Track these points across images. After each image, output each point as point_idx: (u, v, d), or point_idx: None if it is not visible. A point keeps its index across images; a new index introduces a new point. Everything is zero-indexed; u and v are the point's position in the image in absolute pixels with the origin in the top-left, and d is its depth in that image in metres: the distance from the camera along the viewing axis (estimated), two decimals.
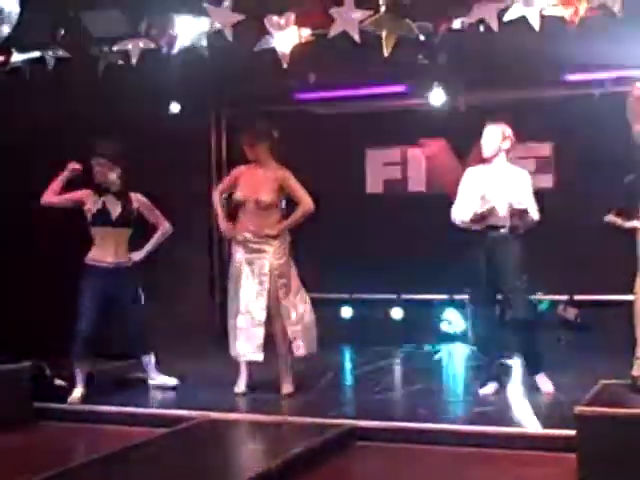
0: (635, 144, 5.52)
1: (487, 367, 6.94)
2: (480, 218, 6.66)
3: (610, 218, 7.47)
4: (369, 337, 9.75)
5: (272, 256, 7.10)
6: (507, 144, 6.80)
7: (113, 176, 7.30)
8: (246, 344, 6.99)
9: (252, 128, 7.30)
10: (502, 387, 6.95)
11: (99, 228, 7.28)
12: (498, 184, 6.68)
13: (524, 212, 6.63)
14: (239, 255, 7.13)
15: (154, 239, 7.53)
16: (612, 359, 6.92)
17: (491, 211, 6.58)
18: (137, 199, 7.41)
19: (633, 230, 5.99)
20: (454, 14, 6.63)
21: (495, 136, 6.77)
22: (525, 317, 6.69)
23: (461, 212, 6.80)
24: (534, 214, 6.73)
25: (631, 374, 5.52)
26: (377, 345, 9.40)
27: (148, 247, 7.52)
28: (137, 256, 7.43)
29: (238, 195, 7.16)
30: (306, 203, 7.22)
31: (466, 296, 9.17)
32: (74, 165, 7.26)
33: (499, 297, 6.94)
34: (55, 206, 7.32)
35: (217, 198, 7.35)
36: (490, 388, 6.82)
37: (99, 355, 7.39)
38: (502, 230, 6.67)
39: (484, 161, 6.85)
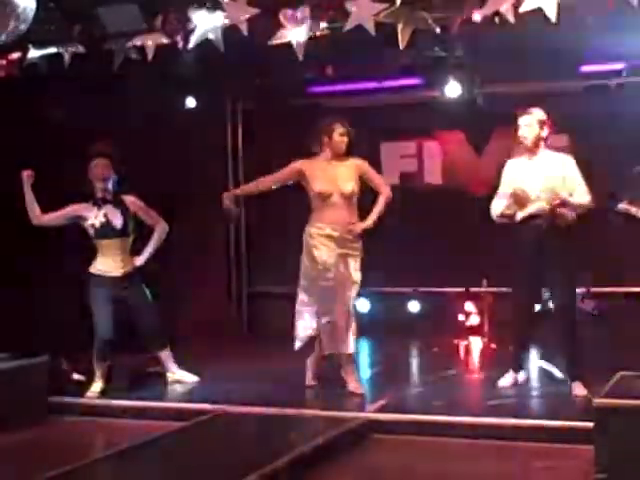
0: None
1: (512, 358, 6.84)
2: (509, 216, 6.61)
3: (623, 206, 7.41)
4: (387, 329, 9.75)
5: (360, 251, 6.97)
6: (545, 131, 6.61)
7: (111, 176, 7.21)
8: (331, 342, 6.82)
9: (344, 121, 7.03)
10: (520, 380, 6.91)
11: (103, 240, 7.20)
12: (539, 175, 6.54)
13: (565, 202, 6.51)
14: (325, 249, 6.83)
15: (153, 240, 7.40)
16: (630, 351, 6.91)
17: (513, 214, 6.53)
18: (132, 202, 7.29)
19: None
20: (470, 6, 6.61)
21: (533, 125, 6.58)
22: (572, 323, 6.57)
23: (499, 207, 6.71)
24: (582, 197, 6.54)
25: None
26: (394, 337, 9.37)
27: (149, 249, 7.41)
28: (139, 261, 7.36)
29: (319, 188, 6.91)
30: (386, 191, 7.02)
31: (482, 289, 9.19)
32: (26, 173, 7.06)
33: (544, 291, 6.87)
34: (51, 225, 7.26)
35: (263, 183, 7.13)
36: (509, 379, 6.76)
37: (120, 349, 7.40)
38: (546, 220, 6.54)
39: (528, 151, 6.68)
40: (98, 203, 7.17)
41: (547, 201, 6.48)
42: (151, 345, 7.44)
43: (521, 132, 6.61)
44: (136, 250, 7.39)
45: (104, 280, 7.18)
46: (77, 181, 7.27)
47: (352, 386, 6.78)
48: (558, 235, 6.50)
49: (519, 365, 6.83)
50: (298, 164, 7.02)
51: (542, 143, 6.63)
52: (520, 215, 6.58)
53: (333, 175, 6.88)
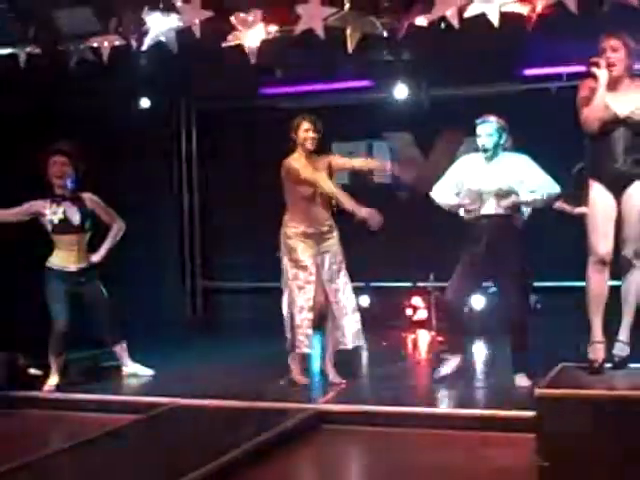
0: (584, 130, 5.51)
1: (450, 346, 6.81)
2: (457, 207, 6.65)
3: (559, 205, 7.48)
4: None
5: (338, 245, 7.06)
6: (504, 138, 6.61)
7: (68, 175, 7.17)
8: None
9: (310, 117, 6.95)
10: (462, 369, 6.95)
11: (61, 236, 7.17)
12: (495, 178, 6.52)
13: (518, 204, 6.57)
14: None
15: (109, 238, 7.37)
16: (569, 343, 6.96)
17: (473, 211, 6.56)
18: (90, 199, 7.26)
19: (581, 216, 5.97)
20: (417, 11, 6.64)
21: (494, 134, 6.55)
22: (521, 319, 6.57)
23: (440, 194, 6.73)
24: (552, 189, 6.56)
25: (588, 358, 5.55)
26: None
27: (105, 247, 7.37)
28: (96, 257, 7.31)
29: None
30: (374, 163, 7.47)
31: (429, 284, 9.23)
32: None
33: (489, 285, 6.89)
34: (10, 222, 7.19)
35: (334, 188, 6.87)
36: (447, 369, 6.68)
37: (76, 344, 7.34)
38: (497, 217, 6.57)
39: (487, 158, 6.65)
40: (56, 200, 7.14)
41: (499, 203, 6.53)
42: (107, 339, 7.40)
43: (481, 140, 6.58)
44: (93, 247, 7.34)
45: (60, 274, 7.15)
46: (31, 179, 7.21)
47: (333, 377, 6.86)
48: (508, 235, 6.56)
49: (461, 351, 6.76)
50: (295, 163, 6.88)
51: (501, 148, 6.63)
52: (470, 214, 6.61)
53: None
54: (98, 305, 7.28)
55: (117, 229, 7.39)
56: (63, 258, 7.18)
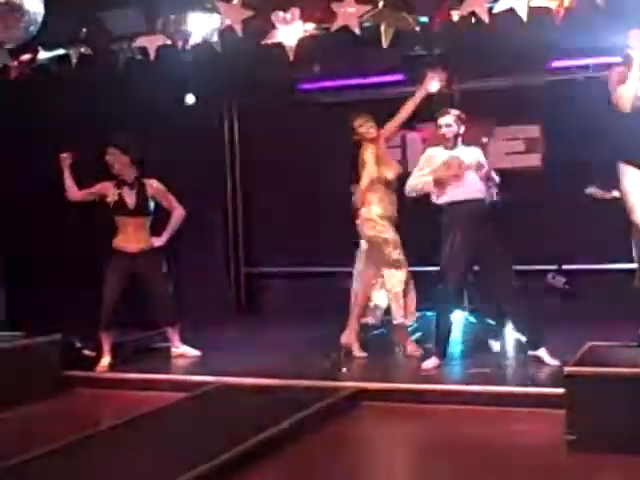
0: (616, 109, 5.49)
1: (437, 341, 6.65)
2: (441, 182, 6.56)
3: (592, 190, 7.45)
4: None
5: None
6: (462, 128, 6.67)
7: (124, 164, 7.30)
8: None
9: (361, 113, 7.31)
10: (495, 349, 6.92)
11: (119, 217, 7.34)
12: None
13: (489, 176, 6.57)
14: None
15: (170, 225, 7.49)
16: (598, 324, 6.95)
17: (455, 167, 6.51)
18: (151, 185, 7.39)
19: (614, 200, 5.96)
20: (448, 7, 6.62)
21: (453, 124, 6.62)
22: (518, 297, 6.49)
23: (417, 180, 6.72)
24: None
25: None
26: None
27: (166, 233, 7.49)
28: (158, 242, 7.43)
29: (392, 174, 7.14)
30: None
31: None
32: (64, 155, 7.29)
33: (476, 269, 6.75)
34: (82, 200, 7.42)
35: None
36: (432, 362, 6.56)
37: (129, 325, 7.43)
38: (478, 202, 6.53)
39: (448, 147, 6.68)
40: (118, 184, 7.31)
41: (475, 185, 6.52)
42: (161, 321, 7.46)
43: (443, 131, 6.65)
44: (155, 231, 7.46)
45: (120, 254, 7.28)
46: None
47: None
48: (488, 217, 6.51)
49: (444, 348, 6.63)
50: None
51: (459, 138, 6.68)
52: (445, 198, 6.55)
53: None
54: (155, 288, 7.35)
55: (177, 216, 7.49)
56: (123, 238, 7.32)
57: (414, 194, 6.76)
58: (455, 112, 6.71)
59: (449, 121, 6.64)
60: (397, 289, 6.99)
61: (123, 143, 7.33)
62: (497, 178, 6.68)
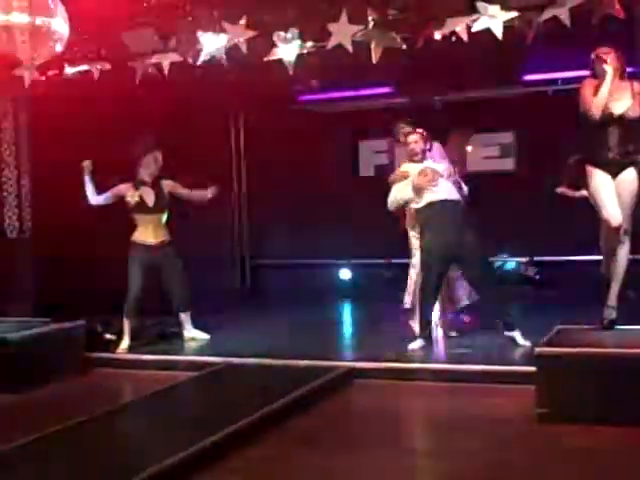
0: (587, 119, 5.50)
1: (422, 324, 6.60)
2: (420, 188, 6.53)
3: (562, 190, 7.44)
4: (366, 294, 9.83)
5: None
6: (428, 144, 6.75)
7: (155, 165, 7.31)
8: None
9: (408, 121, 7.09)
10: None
11: (139, 215, 7.30)
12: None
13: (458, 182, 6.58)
14: None
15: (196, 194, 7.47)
16: (567, 309, 6.95)
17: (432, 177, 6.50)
18: (167, 184, 7.37)
19: (581, 198, 5.96)
20: (431, 27, 6.63)
21: (419, 141, 6.68)
22: (491, 284, 6.55)
23: (400, 194, 6.69)
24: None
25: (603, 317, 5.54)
26: (373, 301, 9.45)
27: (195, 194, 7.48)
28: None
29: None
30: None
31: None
32: (85, 163, 7.23)
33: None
34: (103, 204, 7.36)
35: None
36: (418, 343, 6.53)
37: (145, 313, 7.42)
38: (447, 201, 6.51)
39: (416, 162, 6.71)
40: (137, 185, 7.28)
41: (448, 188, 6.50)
42: (176, 307, 7.43)
43: (411, 147, 6.69)
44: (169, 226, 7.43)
45: (141, 247, 7.25)
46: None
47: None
48: (460, 215, 6.49)
49: (428, 331, 6.59)
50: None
51: (426, 153, 6.72)
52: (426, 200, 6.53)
53: None
54: (172, 277, 7.32)
55: (199, 194, 7.45)
56: (143, 234, 7.28)
57: (394, 206, 6.76)
58: (419, 131, 6.77)
59: (416, 138, 6.71)
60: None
61: (154, 146, 7.34)
62: (465, 188, 6.68)
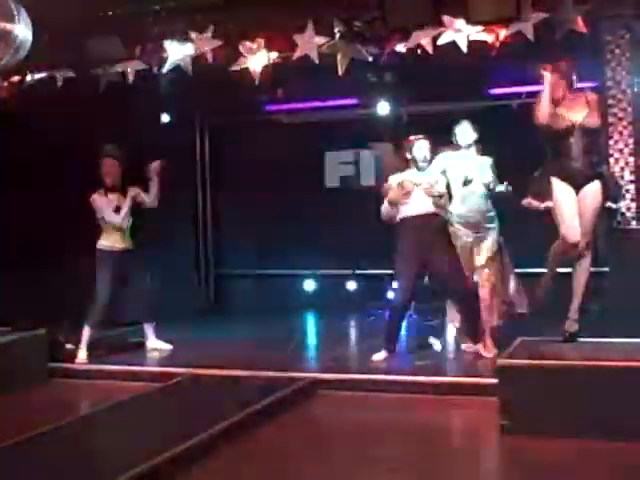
0: (539, 127, 5.59)
1: (388, 336, 6.62)
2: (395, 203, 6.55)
3: (528, 201, 7.49)
4: (330, 305, 9.87)
5: None
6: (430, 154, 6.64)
7: (119, 173, 7.23)
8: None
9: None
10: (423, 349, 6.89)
11: (110, 222, 7.19)
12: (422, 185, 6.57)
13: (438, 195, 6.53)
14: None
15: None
16: (530, 320, 6.97)
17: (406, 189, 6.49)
18: (132, 190, 7.29)
19: (548, 210, 5.99)
20: (397, 40, 6.70)
21: (427, 149, 6.62)
22: (464, 298, 6.52)
23: (382, 210, 6.69)
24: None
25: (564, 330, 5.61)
26: (337, 311, 9.48)
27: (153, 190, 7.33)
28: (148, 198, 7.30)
29: None
30: None
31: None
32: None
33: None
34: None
35: None
36: (381, 355, 6.54)
37: (110, 322, 7.36)
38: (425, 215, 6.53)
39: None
40: (105, 192, 7.19)
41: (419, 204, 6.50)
42: (141, 317, 7.38)
43: (419, 154, 6.57)
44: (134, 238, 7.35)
45: (108, 254, 7.15)
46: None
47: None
48: (436, 231, 6.50)
49: (394, 342, 6.63)
50: None
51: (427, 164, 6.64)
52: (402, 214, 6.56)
53: None
54: (138, 285, 7.26)
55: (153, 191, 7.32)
56: (110, 239, 7.18)
57: (386, 219, 6.71)
58: (426, 140, 6.63)
59: (424, 145, 6.59)
60: None
61: (118, 155, 7.24)
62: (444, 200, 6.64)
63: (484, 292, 6.58)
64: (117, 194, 7.23)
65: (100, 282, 7.08)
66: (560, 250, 5.59)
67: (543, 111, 5.48)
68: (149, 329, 7.44)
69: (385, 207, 6.66)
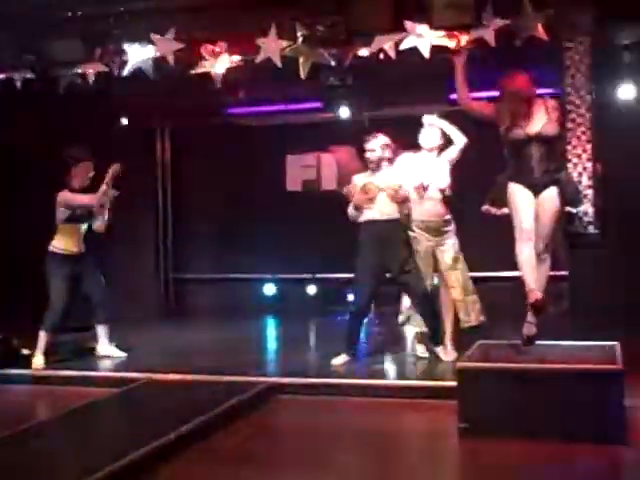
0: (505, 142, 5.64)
1: (348, 340, 6.62)
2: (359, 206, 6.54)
3: (486, 207, 7.51)
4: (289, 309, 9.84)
5: None
6: (387, 153, 6.58)
7: (87, 175, 7.10)
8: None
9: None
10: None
11: (70, 224, 7.03)
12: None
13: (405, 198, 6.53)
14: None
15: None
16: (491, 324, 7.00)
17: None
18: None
19: (505, 215, 6.00)
20: (359, 44, 6.71)
21: (377, 149, 6.54)
22: (426, 300, 6.51)
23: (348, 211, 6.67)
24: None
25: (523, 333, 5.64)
26: (296, 315, 9.47)
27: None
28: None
29: None
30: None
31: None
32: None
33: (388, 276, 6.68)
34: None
35: None
36: (341, 359, 6.54)
37: (66, 327, 7.26)
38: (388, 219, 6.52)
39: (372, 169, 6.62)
40: (73, 191, 7.05)
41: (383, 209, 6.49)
42: (97, 318, 7.23)
43: (367, 155, 6.56)
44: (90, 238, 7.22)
45: (63, 257, 7.00)
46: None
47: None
48: (397, 236, 6.51)
49: (354, 346, 6.63)
50: None
51: (385, 163, 6.59)
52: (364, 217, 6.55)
53: None
54: (92, 288, 7.12)
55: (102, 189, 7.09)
56: (64, 242, 7.03)
57: (353, 220, 6.66)
58: (383, 138, 6.59)
59: (373, 146, 6.57)
60: None
61: (83, 155, 7.11)
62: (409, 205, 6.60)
63: (456, 292, 6.58)
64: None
65: (54, 287, 6.95)
66: (520, 244, 5.59)
67: (460, 95, 5.71)
68: (102, 332, 7.25)
69: (351, 211, 6.64)
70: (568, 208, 5.93)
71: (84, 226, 7.14)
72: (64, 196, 7.02)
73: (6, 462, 4.45)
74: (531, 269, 5.48)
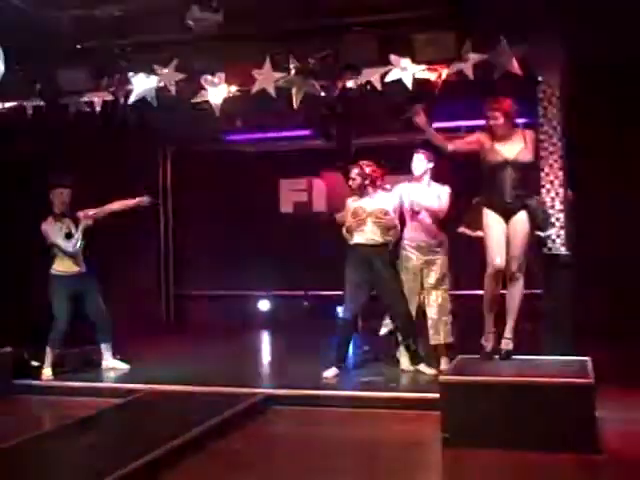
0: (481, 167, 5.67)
1: (337, 353, 6.57)
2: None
3: (462, 230, 7.51)
4: (284, 324, 9.79)
5: None
6: (367, 180, 6.52)
7: (69, 201, 7.03)
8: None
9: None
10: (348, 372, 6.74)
11: (62, 249, 6.97)
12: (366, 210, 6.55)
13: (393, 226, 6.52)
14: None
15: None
16: (470, 340, 6.97)
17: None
18: (83, 214, 7.09)
19: (480, 238, 6.00)
20: (347, 76, 6.73)
21: (357, 175, 6.55)
22: (408, 321, 6.48)
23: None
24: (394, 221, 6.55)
25: (482, 345, 5.62)
26: (290, 330, 9.40)
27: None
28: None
29: None
30: None
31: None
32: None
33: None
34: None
35: None
36: (332, 372, 6.48)
37: (72, 342, 7.18)
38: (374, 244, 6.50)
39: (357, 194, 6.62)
40: (56, 218, 7.00)
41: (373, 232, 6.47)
42: (99, 337, 7.18)
43: (351, 182, 6.59)
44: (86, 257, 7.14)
45: (63, 278, 6.96)
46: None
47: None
48: (383, 260, 6.48)
49: (343, 359, 6.61)
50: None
51: (370, 189, 6.55)
52: (353, 240, 6.54)
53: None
54: (93, 307, 7.05)
55: (119, 203, 7.17)
56: (63, 264, 6.99)
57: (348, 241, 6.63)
58: (364, 165, 6.56)
59: (352, 174, 6.59)
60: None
61: (70, 183, 7.06)
62: (397, 224, 6.58)
63: (432, 311, 6.56)
64: (67, 220, 7.02)
65: (57, 306, 6.91)
66: (489, 277, 5.60)
67: (442, 146, 5.87)
68: (106, 349, 7.19)
69: (344, 233, 6.64)
70: (537, 232, 5.97)
71: (78, 245, 7.03)
72: (44, 231, 7.00)
73: (17, 468, 4.41)
74: (492, 308, 5.63)
